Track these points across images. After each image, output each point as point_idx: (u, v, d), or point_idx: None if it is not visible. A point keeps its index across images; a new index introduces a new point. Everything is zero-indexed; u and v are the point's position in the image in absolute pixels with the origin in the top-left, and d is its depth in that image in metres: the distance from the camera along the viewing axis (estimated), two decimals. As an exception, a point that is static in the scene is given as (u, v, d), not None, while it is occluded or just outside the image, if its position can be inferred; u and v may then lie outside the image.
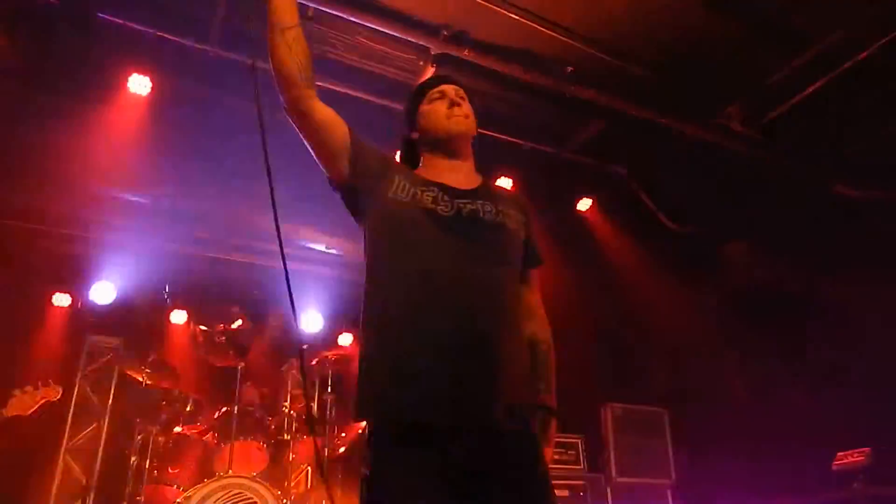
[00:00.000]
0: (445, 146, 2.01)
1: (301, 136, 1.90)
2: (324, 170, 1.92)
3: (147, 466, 4.81)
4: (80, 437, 6.20)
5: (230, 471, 4.52)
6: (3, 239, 5.77)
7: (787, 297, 5.56)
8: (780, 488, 5.17)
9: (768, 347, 5.60)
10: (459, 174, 1.97)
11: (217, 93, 5.11)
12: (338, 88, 4.76)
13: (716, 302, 6.13)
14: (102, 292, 6.14)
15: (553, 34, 4.42)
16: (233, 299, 5.90)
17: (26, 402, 3.34)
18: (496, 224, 1.87)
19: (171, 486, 4.82)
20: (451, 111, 1.99)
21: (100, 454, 6.07)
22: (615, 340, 6.60)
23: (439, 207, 1.83)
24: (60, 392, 3.36)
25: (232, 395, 5.16)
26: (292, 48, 1.83)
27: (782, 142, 5.20)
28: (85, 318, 6.33)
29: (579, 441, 5.53)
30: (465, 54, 4.48)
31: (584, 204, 6.12)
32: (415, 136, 2.08)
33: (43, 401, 3.31)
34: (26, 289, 5.99)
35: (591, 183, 6.11)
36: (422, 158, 2.07)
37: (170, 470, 4.93)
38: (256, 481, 4.45)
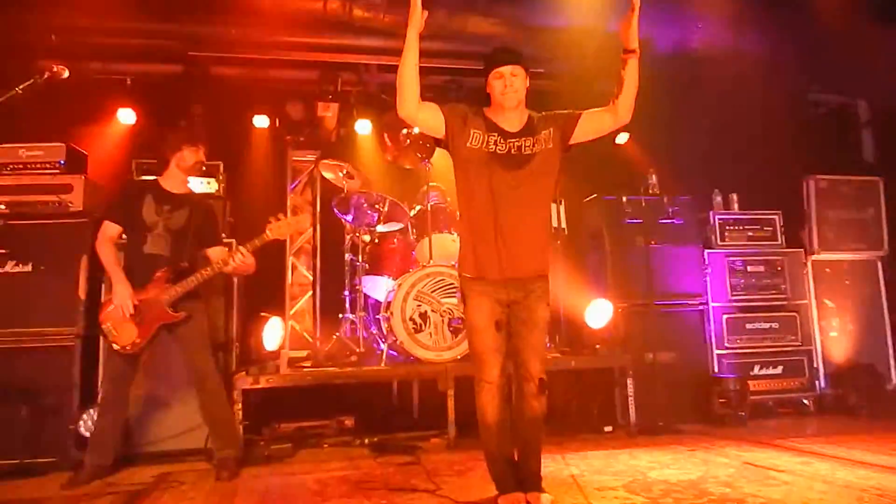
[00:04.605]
0: (501, 108, 2.99)
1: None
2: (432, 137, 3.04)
3: (359, 261, 5.40)
4: (298, 241, 7.06)
5: (431, 261, 4.95)
6: (200, 69, 6.25)
7: None
8: None
9: None
10: (514, 120, 3.00)
11: None
12: None
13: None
14: (296, 110, 6.54)
15: None
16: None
17: (282, 228, 3.66)
18: (531, 154, 2.96)
19: (382, 276, 5.39)
20: (505, 89, 2.92)
21: (318, 253, 6.91)
22: (818, 107, 5.95)
23: (497, 148, 2.93)
24: (310, 224, 3.56)
25: (422, 194, 5.50)
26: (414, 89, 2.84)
27: None
28: (284, 136, 6.88)
29: (777, 217, 5.27)
30: None
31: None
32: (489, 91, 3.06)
33: (296, 232, 3.53)
34: (229, 113, 6.53)
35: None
36: (491, 103, 3.04)
37: (378, 264, 5.48)
38: (455, 269, 4.84)
